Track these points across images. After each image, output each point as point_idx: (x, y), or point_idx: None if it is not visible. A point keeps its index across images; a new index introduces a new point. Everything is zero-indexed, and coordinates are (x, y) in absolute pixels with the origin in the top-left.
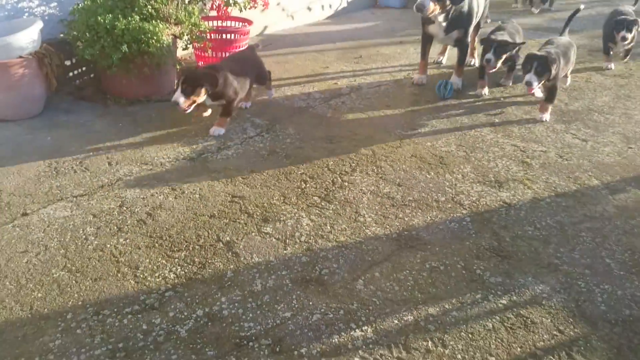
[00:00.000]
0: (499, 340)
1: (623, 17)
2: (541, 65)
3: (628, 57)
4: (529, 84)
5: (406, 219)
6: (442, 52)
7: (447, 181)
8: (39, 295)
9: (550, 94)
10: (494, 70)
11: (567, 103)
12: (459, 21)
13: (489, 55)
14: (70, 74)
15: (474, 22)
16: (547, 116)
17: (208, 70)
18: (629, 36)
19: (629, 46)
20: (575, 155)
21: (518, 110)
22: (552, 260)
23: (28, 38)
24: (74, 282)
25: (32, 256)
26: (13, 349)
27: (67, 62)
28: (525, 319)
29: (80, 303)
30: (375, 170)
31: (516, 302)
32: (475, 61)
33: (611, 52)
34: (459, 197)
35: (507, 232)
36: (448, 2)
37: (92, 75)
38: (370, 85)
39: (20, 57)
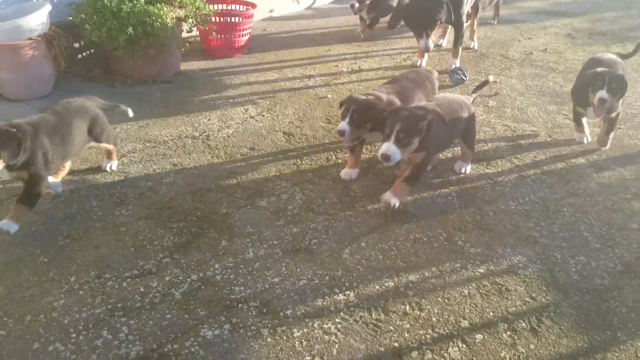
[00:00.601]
0: (473, 305)
1: (604, 69)
2: (406, 129)
3: (610, 137)
4: (385, 159)
5: None
6: (443, 35)
7: (437, 159)
8: (45, 260)
9: (415, 174)
10: (348, 145)
11: (561, 85)
12: (454, 4)
13: (343, 125)
14: (79, 56)
15: (469, 3)
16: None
17: (8, 129)
18: (609, 99)
19: (612, 114)
20: (564, 135)
21: (512, 92)
22: (532, 233)
23: (37, 20)
24: (77, 248)
25: (40, 225)
26: (20, 307)
27: (76, 45)
28: (500, 286)
29: (83, 268)
30: (369, 149)
31: (493, 271)
32: (474, 44)
33: (583, 121)
34: (447, 173)
35: (490, 206)
36: None
37: (100, 58)
38: (370, 67)
39: (30, 38)
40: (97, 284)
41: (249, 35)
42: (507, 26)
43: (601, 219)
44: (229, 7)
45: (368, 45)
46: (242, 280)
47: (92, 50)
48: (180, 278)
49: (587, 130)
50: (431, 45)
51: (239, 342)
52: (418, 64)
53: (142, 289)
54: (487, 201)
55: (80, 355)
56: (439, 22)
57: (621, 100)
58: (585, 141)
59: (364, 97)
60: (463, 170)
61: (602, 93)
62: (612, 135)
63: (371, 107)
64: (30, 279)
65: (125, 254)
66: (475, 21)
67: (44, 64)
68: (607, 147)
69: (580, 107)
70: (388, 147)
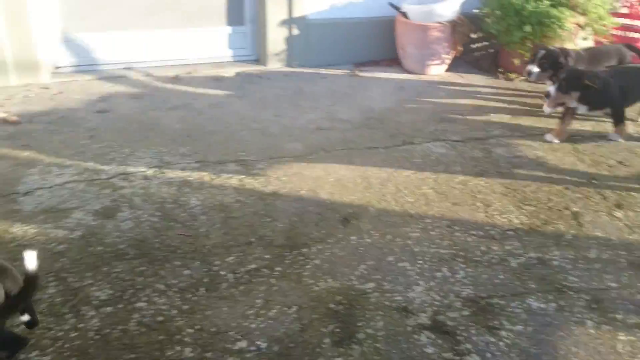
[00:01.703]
0: None
1: None
2: None
3: None
4: None
5: None
6: None
7: None
8: (410, 200)
9: None
10: None
11: None
12: None
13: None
14: (473, 45)
15: None
16: None
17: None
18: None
19: None
20: None
21: None
22: None
23: (449, 8)
24: (437, 199)
25: (411, 173)
26: (384, 227)
27: (473, 35)
28: None
29: (438, 215)
30: None
31: None
32: None
33: None
34: None
35: None
36: None
37: (490, 50)
38: None
39: (439, 22)
40: (447, 231)
41: None
42: None
43: None
44: (633, 23)
45: None
46: (578, 273)
47: (485, 42)
48: (520, 251)
49: None
50: None
51: (561, 321)
52: None
53: (483, 248)
54: None
55: (422, 278)
56: None
57: None
58: None
59: None
60: None
61: None
62: None
63: None
64: (397, 211)
65: (476, 216)
66: None
67: (444, 46)
68: None
69: None
70: None
